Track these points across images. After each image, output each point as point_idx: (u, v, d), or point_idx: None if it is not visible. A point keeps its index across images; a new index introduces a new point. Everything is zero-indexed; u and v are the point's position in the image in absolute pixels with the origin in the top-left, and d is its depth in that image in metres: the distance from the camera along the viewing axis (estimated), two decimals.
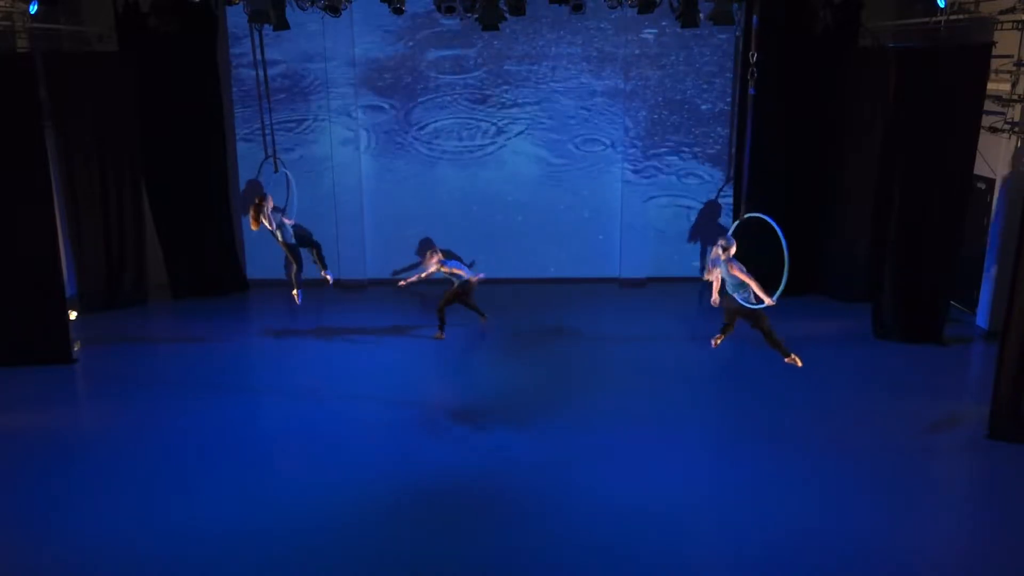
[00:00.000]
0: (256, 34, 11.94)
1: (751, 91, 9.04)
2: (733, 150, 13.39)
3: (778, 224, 8.70)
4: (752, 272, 8.84)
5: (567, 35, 13.24)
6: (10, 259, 10.15)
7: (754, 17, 8.04)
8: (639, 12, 10.90)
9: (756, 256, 9.66)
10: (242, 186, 13.53)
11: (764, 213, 8.99)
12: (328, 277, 11.74)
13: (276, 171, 12.23)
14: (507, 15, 10.77)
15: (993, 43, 10.21)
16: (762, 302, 8.74)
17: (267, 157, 12.79)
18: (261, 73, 12.35)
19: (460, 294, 11.39)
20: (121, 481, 7.78)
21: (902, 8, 12.18)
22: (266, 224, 11.29)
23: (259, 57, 12.32)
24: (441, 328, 11.41)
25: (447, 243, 13.84)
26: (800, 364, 9.08)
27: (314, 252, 11.78)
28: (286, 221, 11.52)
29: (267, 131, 12.69)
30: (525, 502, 7.39)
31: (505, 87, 13.44)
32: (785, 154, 12.57)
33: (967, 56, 10.13)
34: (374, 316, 12.40)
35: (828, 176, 12.78)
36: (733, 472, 7.91)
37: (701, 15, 10.67)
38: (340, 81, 13.34)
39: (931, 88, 10.21)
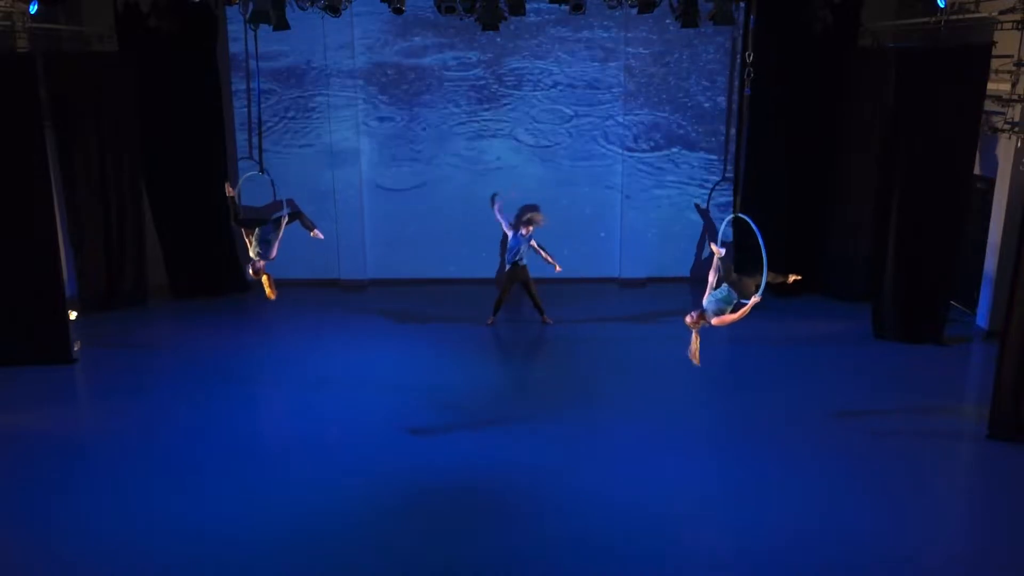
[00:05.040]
0: (252, 34, 11.90)
1: (747, 91, 9.03)
2: (733, 149, 13.39)
3: (763, 226, 8.35)
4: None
5: (570, 32, 13.24)
6: (10, 259, 10.13)
7: (751, 17, 8.02)
8: (638, 12, 10.91)
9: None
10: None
11: (764, 213, 8.94)
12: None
13: (261, 172, 12.16)
14: (507, 15, 10.78)
15: (993, 43, 10.20)
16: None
17: (252, 158, 12.82)
18: (254, 73, 12.32)
19: None
20: (121, 481, 7.77)
21: (902, 8, 12.18)
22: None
23: (253, 58, 12.28)
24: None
25: (448, 242, 13.88)
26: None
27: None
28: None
29: (255, 133, 12.60)
30: (525, 502, 7.38)
31: (507, 85, 13.43)
32: (785, 154, 12.57)
33: (967, 56, 10.13)
34: (374, 316, 12.40)
35: (828, 176, 12.76)
36: (733, 472, 7.91)
37: (701, 15, 10.67)
38: (340, 80, 13.33)
39: (931, 88, 10.21)
